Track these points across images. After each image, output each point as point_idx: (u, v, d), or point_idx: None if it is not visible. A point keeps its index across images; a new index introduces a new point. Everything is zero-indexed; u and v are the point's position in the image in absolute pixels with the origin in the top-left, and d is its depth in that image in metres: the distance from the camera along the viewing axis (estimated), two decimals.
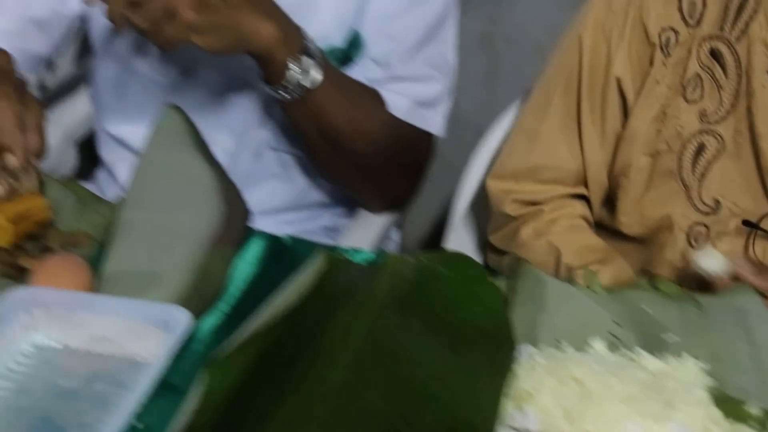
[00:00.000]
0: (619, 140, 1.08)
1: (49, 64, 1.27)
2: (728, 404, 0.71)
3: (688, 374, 0.73)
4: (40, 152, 0.94)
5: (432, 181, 1.30)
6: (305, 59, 1.05)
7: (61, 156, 1.43)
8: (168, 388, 0.76)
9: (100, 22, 1.20)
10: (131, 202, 0.96)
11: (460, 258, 0.86)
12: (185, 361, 0.80)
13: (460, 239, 1.29)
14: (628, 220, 1.07)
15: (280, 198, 1.28)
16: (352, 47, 1.16)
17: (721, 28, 1.01)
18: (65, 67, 1.57)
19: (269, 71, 1.05)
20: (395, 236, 1.40)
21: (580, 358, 0.74)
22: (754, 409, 0.72)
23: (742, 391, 0.74)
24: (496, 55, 1.88)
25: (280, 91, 1.07)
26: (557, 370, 0.72)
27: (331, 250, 0.90)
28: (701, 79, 1.02)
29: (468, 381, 0.72)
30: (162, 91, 1.21)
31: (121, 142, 1.29)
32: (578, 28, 1.09)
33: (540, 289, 0.84)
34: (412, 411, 0.69)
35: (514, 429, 0.70)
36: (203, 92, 1.20)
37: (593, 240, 1.11)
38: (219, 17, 0.97)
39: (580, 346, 0.78)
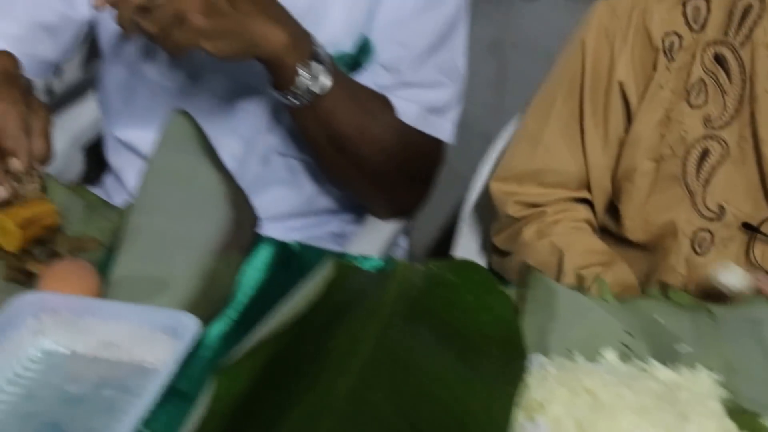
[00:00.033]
0: (622, 145, 1.08)
1: (56, 68, 1.27)
2: (742, 416, 0.71)
3: (701, 385, 0.73)
4: (46, 157, 0.94)
5: (439, 187, 1.30)
6: (315, 65, 1.04)
7: (68, 161, 1.43)
8: (176, 394, 0.76)
9: (109, 27, 1.19)
10: (139, 208, 0.96)
11: (469, 266, 0.85)
12: (193, 367, 0.80)
13: (468, 246, 1.29)
14: (633, 225, 1.06)
15: (288, 204, 1.27)
16: (362, 53, 1.16)
17: (726, 34, 1.01)
18: (72, 71, 1.57)
19: (278, 77, 1.05)
20: (403, 243, 1.40)
21: (591, 368, 0.74)
22: None
23: (756, 403, 0.73)
24: (504, 61, 1.88)
25: (289, 97, 1.06)
26: (569, 380, 0.71)
27: (340, 257, 0.90)
28: (705, 84, 1.02)
29: (478, 391, 0.71)
30: (170, 96, 1.21)
31: (129, 147, 1.29)
32: (582, 32, 1.10)
33: (551, 298, 0.83)
34: (422, 420, 0.68)
35: None
36: (211, 97, 1.20)
37: (596, 243, 1.11)
38: (228, 22, 0.97)
39: (592, 356, 0.77)
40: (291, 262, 0.96)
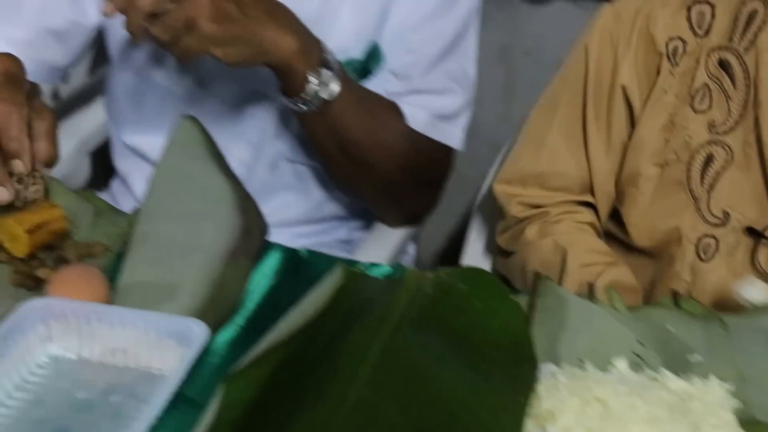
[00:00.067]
0: (626, 149, 1.08)
1: (64, 73, 1.27)
2: (755, 427, 0.70)
3: (713, 396, 0.72)
4: (51, 160, 0.94)
5: (447, 194, 1.29)
6: (324, 71, 1.04)
7: (74, 166, 1.43)
8: (184, 401, 0.75)
9: (118, 33, 1.19)
10: (147, 214, 0.95)
11: (480, 274, 0.85)
12: (201, 374, 0.79)
13: (477, 253, 1.28)
14: (637, 231, 1.06)
15: (296, 210, 1.27)
16: (371, 59, 1.16)
17: (730, 39, 1.01)
18: (79, 76, 1.57)
19: (288, 83, 1.05)
20: (411, 250, 1.40)
21: (602, 377, 0.73)
22: None
23: None
24: (514, 68, 1.87)
25: (298, 103, 1.06)
26: (580, 389, 0.71)
27: (349, 265, 0.90)
28: (709, 89, 1.02)
29: (489, 399, 0.71)
30: (179, 101, 1.21)
31: (136, 152, 1.29)
32: (586, 36, 1.10)
33: (561, 307, 0.83)
34: (431, 429, 0.68)
35: None
36: (220, 103, 1.20)
37: (599, 243, 1.11)
38: (239, 29, 0.97)
39: (603, 365, 0.76)
40: (300, 269, 0.95)
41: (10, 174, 0.90)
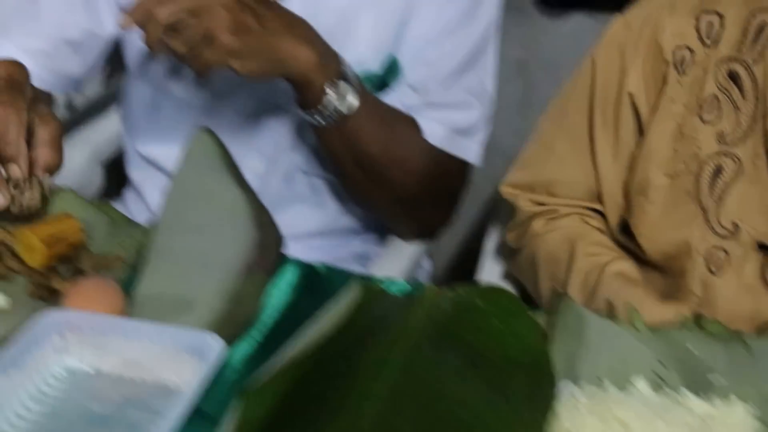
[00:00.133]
0: (635, 158, 1.07)
1: (79, 84, 1.27)
2: None
3: (735, 418, 0.72)
4: (53, 166, 0.93)
5: (463, 208, 1.29)
6: (342, 84, 1.04)
7: (88, 175, 1.43)
8: (200, 416, 0.75)
9: (135, 44, 1.20)
10: (163, 226, 0.95)
11: (498, 291, 0.85)
12: (217, 389, 0.79)
13: (493, 269, 1.28)
14: (648, 243, 1.06)
15: (310, 223, 1.27)
16: (389, 73, 1.15)
17: (739, 50, 1.01)
18: (94, 86, 1.58)
19: (306, 96, 1.05)
20: (427, 265, 1.39)
21: (623, 398, 0.73)
22: None
23: None
24: (531, 82, 1.87)
25: (315, 116, 1.06)
26: (600, 409, 0.70)
27: (367, 281, 0.89)
28: (718, 100, 1.02)
29: (507, 418, 0.70)
30: (195, 113, 1.21)
31: (151, 162, 1.29)
32: (596, 45, 1.11)
33: (580, 325, 0.82)
34: None
35: None
36: (236, 115, 1.20)
37: (606, 239, 1.12)
38: (257, 42, 0.97)
39: (623, 384, 0.76)
40: (317, 284, 0.95)
41: (7, 180, 0.90)
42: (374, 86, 1.14)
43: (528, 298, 1.16)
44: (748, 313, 0.97)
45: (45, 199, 0.94)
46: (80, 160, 1.39)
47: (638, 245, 1.07)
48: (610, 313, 0.96)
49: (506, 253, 1.25)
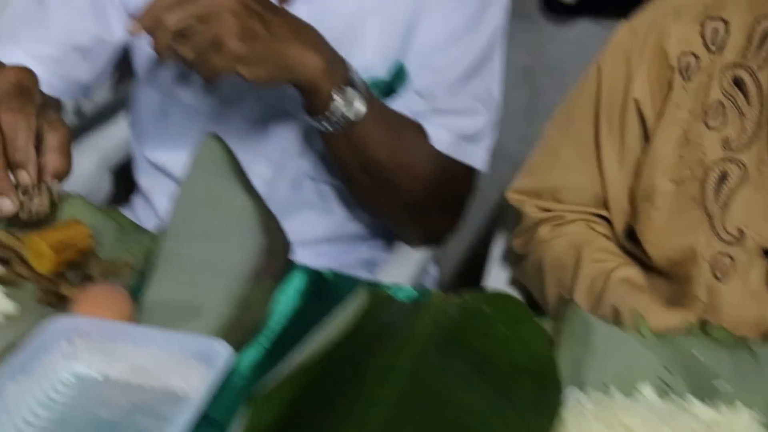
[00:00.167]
0: (641, 164, 1.08)
1: (88, 90, 1.28)
2: None
3: (741, 424, 0.72)
4: (62, 173, 0.93)
5: (469, 214, 1.29)
6: (350, 91, 1.04)
7: (96, 181, 1.43)
8: (207, 422, 0.75)
9: (144, 51, 1.20)
10: (171, 233, 0.96)
11: (505, 297, 0.85)
12: (225, 395, 0.79)
13: (500, 275, 1.28)
14: (654, 249, 1.06)
15: (317, 229, 1.27)
16: (396, 79, 1.16)
17: (744, 56, 1.01)
18: (102, 92, 1.58)
19: (313, 102, 1.05)
20: (434, 272, 1.39)
21: (628, 404, 0.73)
22: None
23: None
24: (537, 88, 1.87)
25: (323, 122, 1.06)
26: (606, 416, 0.70)
27: (374, 287, 0.89)
28: (723, 106, 1.02)
29: (513, 424, 0.70)
30: (203, 119, 1.22)
31: (159, 168, 1.30)
32: (602, 51, 1.11)
33: (586, 331, 0.82)
34: None
35: None
36: (244, 121, 1.21)
37: (612, 245, 1.12)
38: (265, 48, 0.97)
39: (628, 391, 0.76)
40: (324, 290, 0.95)
41: (16, 186, 0.90)
42: (381, 92, 1.14)
43: (534, 305, 1.16)
44: (753, 320, 0.98)
45: (54, 206, 0.95)
46: (89, 167, 1.40)
47: (644, 251, 1.07)
48: (616, 319, 0.96)
49: (513, 259, 1.26)
